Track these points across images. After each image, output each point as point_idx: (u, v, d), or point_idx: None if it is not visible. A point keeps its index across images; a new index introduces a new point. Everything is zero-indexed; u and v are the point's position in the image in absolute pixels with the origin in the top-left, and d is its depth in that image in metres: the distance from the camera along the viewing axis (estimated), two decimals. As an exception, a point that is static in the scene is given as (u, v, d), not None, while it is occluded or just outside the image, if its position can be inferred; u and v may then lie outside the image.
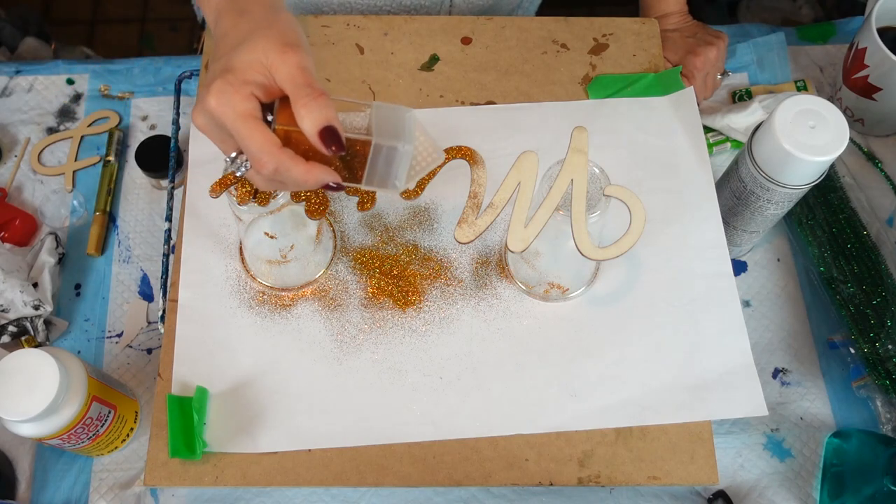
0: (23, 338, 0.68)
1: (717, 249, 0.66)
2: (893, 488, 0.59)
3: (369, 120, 0.50)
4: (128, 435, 0.65)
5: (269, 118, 0.48)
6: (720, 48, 0.78)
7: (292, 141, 0.47)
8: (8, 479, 0.65)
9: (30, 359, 0.55)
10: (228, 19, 0.50)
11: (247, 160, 0.48)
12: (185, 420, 0.58)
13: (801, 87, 0.83)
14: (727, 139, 0.79)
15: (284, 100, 0.47)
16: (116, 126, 0.80)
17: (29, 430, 0.56)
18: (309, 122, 0.45)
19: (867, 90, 0.75)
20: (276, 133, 0.46)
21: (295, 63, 0.46)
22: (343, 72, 0.73)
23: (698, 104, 0.73)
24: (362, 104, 0.51)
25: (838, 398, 0.69)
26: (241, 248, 0.66)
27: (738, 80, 0.84)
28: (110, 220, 0.76)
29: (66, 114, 0.81)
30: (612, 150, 0.70)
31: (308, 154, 0.47)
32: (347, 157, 0.49)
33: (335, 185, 0.48)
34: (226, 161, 0.50)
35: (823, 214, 0.72)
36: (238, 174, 0.49)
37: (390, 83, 0.73)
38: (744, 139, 0.77)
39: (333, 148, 0.45)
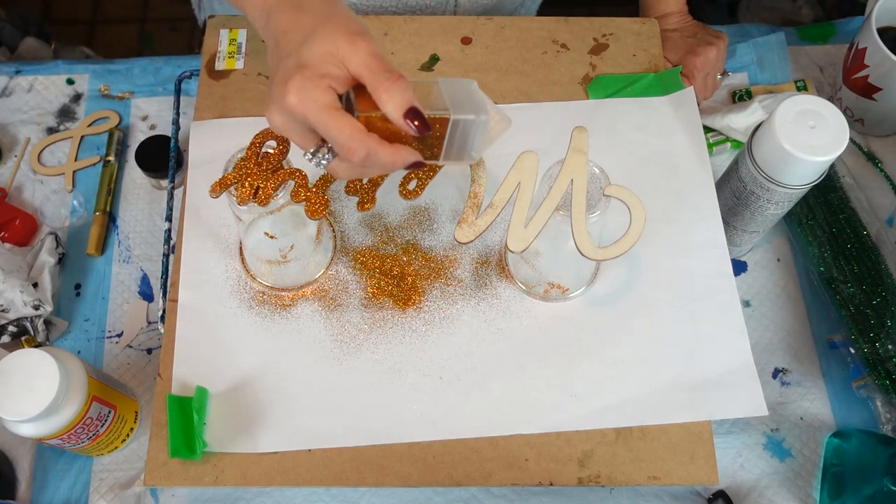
0: (23, 338, 0.68)
1: (717, 249, 0.66)
2: (893, 488, 0.59)
3: (433, 96, 0.51)
4: (128, 435, 0.65)
5: (344, 106, 0.48)
6: (720, 48, 0.78)
7: (372, 126, 0.48)
8: (8, 479, 0.65)
9: (30, 359, 0.55)
10: (285, 15, 0.50)
11: (328, 152, 0.49)
12: (185, 420, 0.58)
13: (801, 87, 0.83)
14: (727, 139, 0.79)
15: (358, 88, 0.48)
16: (116, 126, 0.80)
17: (29, 430, 0.56)
18: (392, 106, 0.46)
19: (867, 90, 0.75)
20: (357, 120, 0.47)
21: (366, 50, 0.46)
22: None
23: (698, 104, 0.73)
24: (426, 82, 0.51)
25: (838, 398, 0.69)
26: (241, 248, 0.66)
27: (738, 80, 0.84)
28: (110, 220, 0.76)
29: (66, 114, 0.81)
30: (612, 150, 0.70)
31: (387, 136, 0.48)
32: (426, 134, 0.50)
33: (418, 164, 0.49)
34: (305, 156, 0.50)
35: (823, 214, 0.72)
36: (319, 167, 0.50)
37: (390, 83, 0.73)
38: (744, 139, 0.77)
39: (419, 127, 0.46)
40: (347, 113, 0.47)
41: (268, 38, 0.51)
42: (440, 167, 0.56)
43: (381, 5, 0.80)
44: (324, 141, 0.49)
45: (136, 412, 0.67)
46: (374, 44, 0.47)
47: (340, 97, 0.48)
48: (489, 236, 0.67)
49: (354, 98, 0.48)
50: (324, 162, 0.49)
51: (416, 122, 0.46)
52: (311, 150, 0.49)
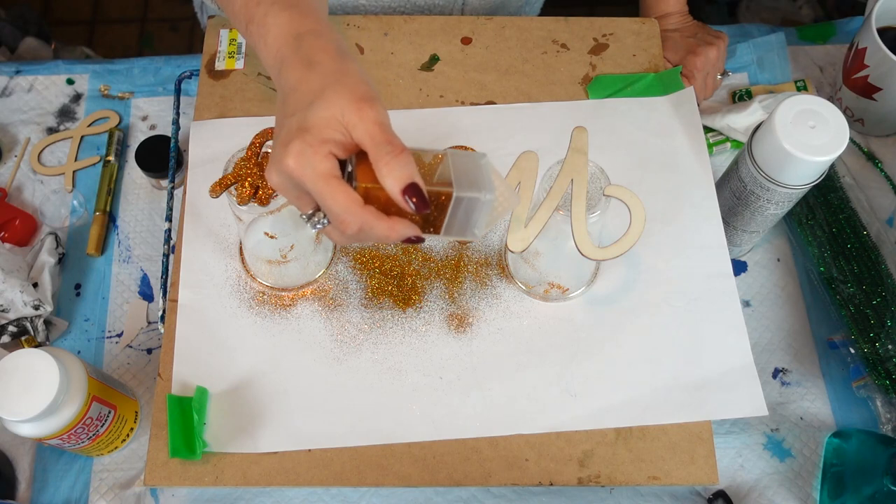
0: (23, 338, 0.68)
1: (717, 249, 0.66)
2: (893, 488, 0.59)
3: (440, 166, 0.49)
4: (128, 435, 0.65)
5: (348, 169, 0.47)
6: (720, 48, 0.78)
7: (371, 197, 0.46)
8: (8, 479, 0.65)
9: (30, 359, 0.55)
10: (296, 71, 0.48)
11: (324, 217, 0.48)
12: (185, 420, 0.58)
13: (801, 87, 0.83)
14: (727, 139, 0.79)
15: (360, 155, 0.46)
16: (116, 126, 0.80)
17: (29, 430, 0.56)
18: (391, 180, 0.44)
19: (867, 90, 0.75)
20: (356, 191, 0.46)
21: (372, 119, 0.45)
22: (343, 72, 0.73)
23: (698, 104, 0.73)
24: (434, 152, 0.50)
25: (838, 398, 0.69)
26: (241, 248, 0.66)
27: (738, 80, 0.84)
28: (110, 220, 0.76)
29: (66, 114, 0.81)
30: (612, 150, 0.70)
31: (386, 207, 0.47)
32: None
33: (416, 239, 0.48)
34: (302, 217, 0.49)
35: (823, 214, 0.72)
36: (314, 231, 0.49)
37: (390, 83, 0.73)
38: (744, 139, 0.77)
39: (417, 205, 0.45)
40: (345, 183, 0.45)
41: (278, 90, 0.50)
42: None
43: (389, 5, 0.80)
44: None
45: (136, 412, 0.67)
46: (382, 112, 0.46)
47: (342, 162, 0.47)
48: (489, 236, 0.67)
49: (356, 166, 0.46)
50: (319, 226, 0.48)
51: (415, 200, 0.45)
52: (308, 214, 0.49)
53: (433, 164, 0.49)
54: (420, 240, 0.48)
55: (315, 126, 0.45)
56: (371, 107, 0.45)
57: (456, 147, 0.57)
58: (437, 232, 0.49)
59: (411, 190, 0.45)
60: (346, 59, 0.48)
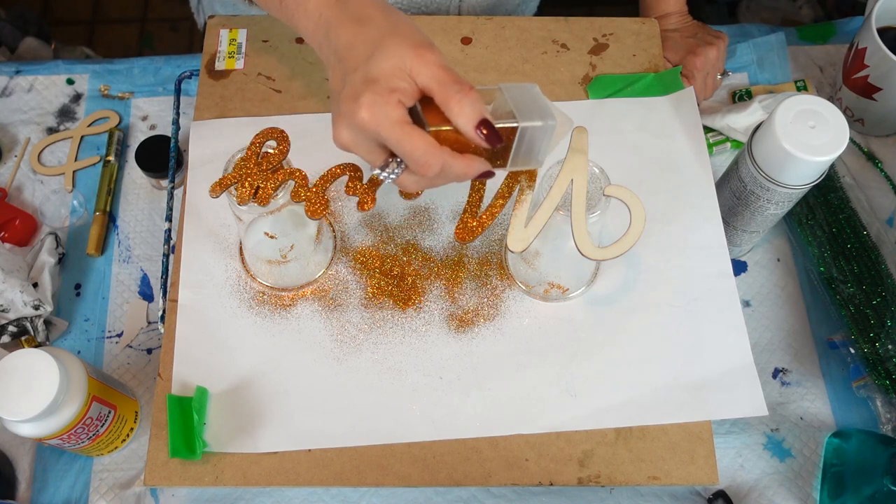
0: (23, 338, 0.68)
1: (717, 249, 0.66)
2: (893, 488, 0.59)
3: (497, 102, 0.50)
4: (128, 435, 0.65)
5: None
6: (720, 48, 0.78)
7: (441, 138, 0.47)
8: (8, 479, 0.65)
9: (30, 359, 0.55)
10: (347, 29, 0.49)
11: (397, 167, 0.49)
12: (185, 420, 0.58)
13: (801, 87, 0.83)
14: (727, 139, 0.79)
15: (424, 101, 0.48)
16: (116, 126, 0.80)
17: (29, 430, 0.56)
18: (464, 119, 0.46)
19: (867, 90, 0.75)
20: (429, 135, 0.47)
21: (435, 63, 0.46)
22: (343, 72, 0.73)
23: (698, 104, 0.73)
24: (489, 89, 0.51)
25: (838, 398, 0.69)
26: (241, 248, 0.66)
27: (738, 80, 0.84)
28: (110, 220, 0.76)
29: (66, 114, 0.81)
30: (612, 150, 0.70)
31: (456, 148, 0.48)
32: None
33: (488, 174, 0.50)
34: (374, 171, 0.50)
35: (823, 214, 0.72)
36: (387, 180, 0.50)
37: (390, 83, 0.73)
38: (744, 139, 0.77)
39: (489, 139, 0.46)
40: (419, 127, 0.46)
41: (328, 54, 0.50)
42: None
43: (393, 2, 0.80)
44: (392, 155, 0.49)
45: (136, 412, 0.67)
46: (441, 56, 0.47)
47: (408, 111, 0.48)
48: (489, 236, 0.67)
49: (423, 112, 0.47)
50: (392, 176, 0.49)
51: (487, 134, 0.46)
52: (381, 165, 0.49)
53: (490, 99, 0.50)
54: (491, 174, 0.50)
55: (381, 76, 0.46)
56: (431, 51, 0.47)
57: None
58: (504, 165, 0.51)
59: (483, 125, 0.46)
60: (395, 12, 0.50)
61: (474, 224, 0.56)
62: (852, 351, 0.68)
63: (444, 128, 0.47)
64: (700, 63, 0.76)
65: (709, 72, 0.78)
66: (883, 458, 0.61)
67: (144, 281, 0.73)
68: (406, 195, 0.58)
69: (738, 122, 0.77)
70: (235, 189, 0.54)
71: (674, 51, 0.78)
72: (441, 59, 0.47)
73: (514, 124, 0.49)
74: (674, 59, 0.78)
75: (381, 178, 0.50)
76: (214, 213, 0.67)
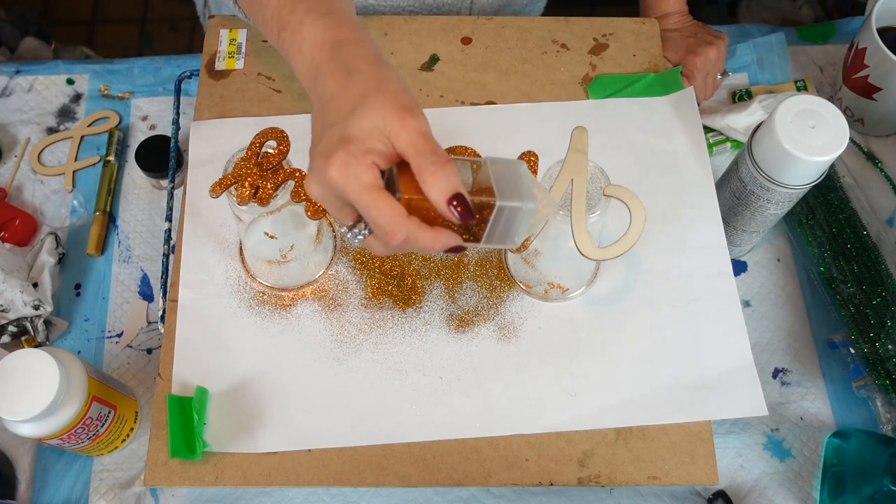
0: (23, 338, 0.68)
1: (717, 249, 0.66)
2: (893, 488, 0.59)
3: (479, 174, 0.49)
4: (128, 435, 0.65)
5: (384, 179, 0.47)
6: (720, 48, 0.78)
7: (413, 207, 0.46)
8: (8, 479, 0.65)
9: (30, 359, 0.55)
10: (334, 80, 0.47)
11: (365, 228, 0.48)
12: (185, 420, 0.58)
13: (801, 87, 0.83)
14: (727, 139, 0.79)
15: (401, 165, 0.46)
16: (116, 126, 0.80)
17: (29, 430, 0.56)
18: (436, 191, 0.44)
19: (867, 90, 0.75)
20: (399, 201, 0.45)
21: (415, 129, 0.44)
22: (343, 72, 0.73)
23: (698, 104, 0.73)
24: (473, 160, 0.50)
25: (838, 398, 0.69)
26: (241, 248, 0.66)
27: (738, 80, 0.84)
28: (110, 220, 0.76)
29: (66, 114, 0.81)
30: (612, 150, 0.70)
31: (427, 217, 0.46)
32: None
33: (458, 248, 0.47)
34: (342, 229, 0.49)
35: (823, 214, 0.72)
36: (354, 242, 0.49)
37: (390, 83, 0.73)
38: (744, 139, 0.77)
39: (462, 214, 0.44)
40: (388, 194, 0.45)
41: (314, 99, 0.49)
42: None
43: (398, 5, 0.80)
44: (361, 216, 0.47)
45: (136, 412, 0.67)
46: (424, 121, 0.46)
47: (382, 172, 0.46)
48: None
49: (397, 176, 0.46)
50: (360, 237, 0.48)
51: (460, 210, 0.44)
52: (349, 225, 0.48)
53: (473, 170, 0.49)
54: (462, 249, 0.48)
55: (358, 136, 0.44)
56: (413, 116, 0.45)
57: (456, 148, 0.57)
58: (477, 241, 0.49)
59: (456, 200, 0.44)
60: (385, 67, 0.48)
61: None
62: (852, 351, 0.68)
63: (415, 196, 0.45)
64: (700, 63, 0.76)
65: (709, 71, 0.78)
66: (883, 458, 0.61)
67: (144, 281, 0.73)
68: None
69: (738, 122, 0.77)
70: (235, 189, 0.54)
71: (674, 50, 0.78)
72: (423, 125, 0.45)
73: (492, 201, 0.47)
74: (674, 58, 0.78)
75: (348, 237, 0.49)
76: (214, 213, 0.67)
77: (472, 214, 0.45)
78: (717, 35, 0.79)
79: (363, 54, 0.48)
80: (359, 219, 0.48)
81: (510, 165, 0.49)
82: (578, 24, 0.77)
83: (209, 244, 0.66)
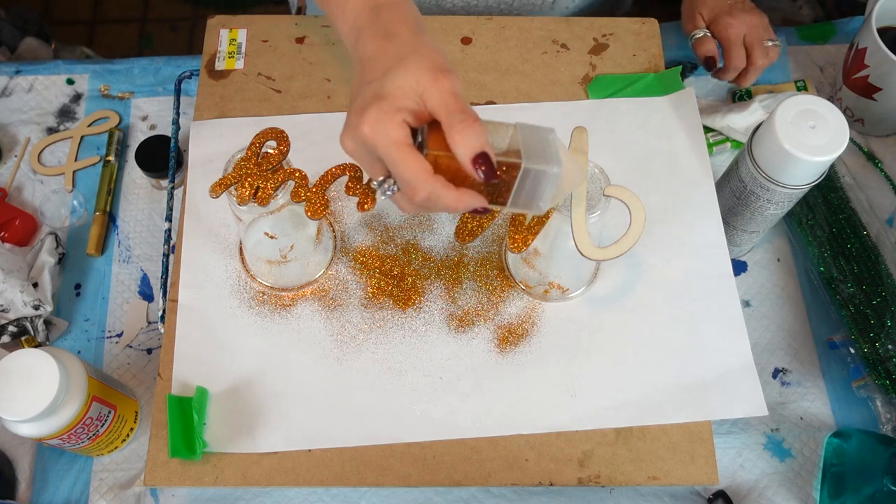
0: (23, 338, 0.68)
1: (717, 249, 0.66)
2: (893, 488, 0.59)
3: (510, 140, 0.49)
4: (128, 435, 0.65)
5: (418, 139, 0.48)
6: (762, 17, 0.74)
7: (440, 166, 0.47)
8: (8, 479, 0.65)
9: (30, 359, 0.55)
10: (374, 42, 0.49)
11: (394, 184, 0.49)
12: (185, 420, 0.58)
13: (801, 87, 0.83)
14: (727, 139, 0.79)
15: (433, 125, 0.47)
16: (116, 126, 0.80)
17: (29, 430, 0.56)
18: (463, 148, 0.45)
19: (867, 90, 0.75)
20: (426, 158, 0.46)
21: (447, 89, 0.46)
22: (344, 72, 0.73)
23: (754, 73, 0.72)
24: (504, 124, 0.50)
25: (838, 398, 0.69)
26: (241, 248, 0.66)
27: (739, 80, 0.84)
28: (110, 220, 0.76)
29: (66, 114, 0.81)
30: (612, 150, 0.70)
31: (455, 176, 0.47)
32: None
33: (482, 210, 0.49)
34: (373, 184, 0.50)
35: (823, 214, 0.72)
36: (383, 197, 0.50)
37: (390, 83, 0.73)
38: (744, 139, 0.77)
39: (486, 173, 0.45)
40: (417, 151, 0.46)
41: (355, 59, 0.51)
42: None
43: (479, 4, 0.80)
44: (391, 173, 0.49)
45: (136, 412, 0.67)
46: (457, 82, 0.47)
47: (415, 131, 0.47)
48: (489, 236, 0.67)
49: (427, 135, 0.47)
50: (389, 193, 0.49)
51: (484, 168, 0.45)
52: (379, 180, 0.49)
53: (503, 134, 0.50)
54: (487, 210, 0.49)
55: (391, 94, 0.46)
56: (447, 77, 0.46)
57: None
58: (503, 203, 0.50)
59: (481, 159, 0.45)
60: (423, 32, 0.50)
61: (474, 225, 0.56)
62: (852, 351, 0.68)
63: (443, 153, 0.46)
64: (735, 25, 0.72)
65: (755, 38, 0.73)
66: (883, 458, 0.61)
67: (144, 281, 0.73)
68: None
69: (738, 122, 0.77)
70: (235, 189, 0.54)
71: (709, 7, 0.74)
72: (456, 85, 0.47)
73: (518, 162, 0.47)
74: (708, 16, 0.75)
75: (379, 192, 0.50)
76: (214, 213, 0.67)
77: (496, 173, 0.46)
78: (757, 9, 0.75)
79: (403, 18, 0.50)
80: (389, 175, 0.49)
81: (539, 131, 0.50)
82: (578, 24, 0.77)
83: (209, 244, 0.66)
